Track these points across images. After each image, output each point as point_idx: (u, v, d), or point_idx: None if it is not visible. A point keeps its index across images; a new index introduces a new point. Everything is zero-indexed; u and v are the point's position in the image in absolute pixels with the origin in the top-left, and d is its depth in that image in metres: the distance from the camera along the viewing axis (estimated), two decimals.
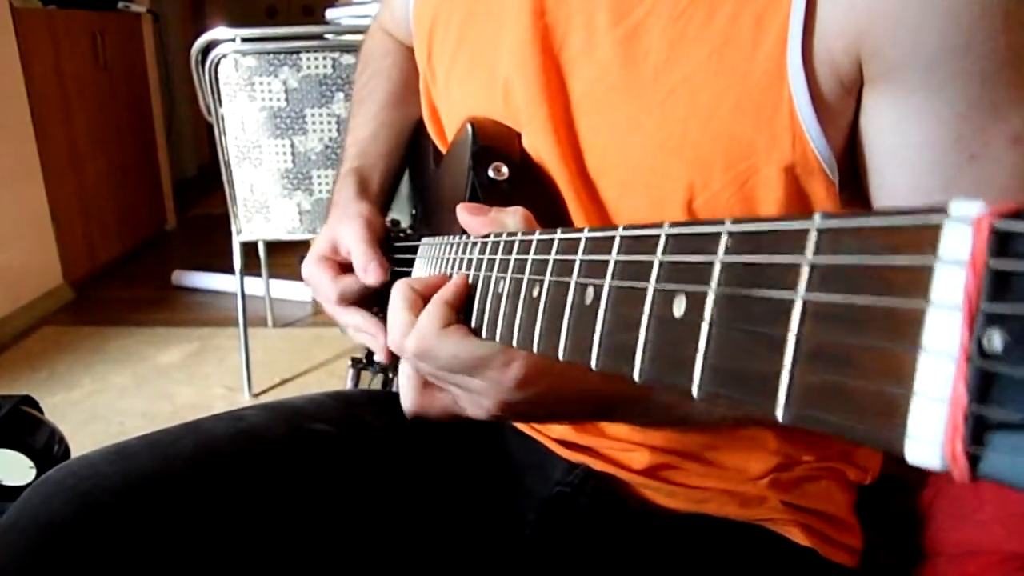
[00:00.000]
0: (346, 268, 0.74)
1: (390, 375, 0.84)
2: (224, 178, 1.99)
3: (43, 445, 1.27)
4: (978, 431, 0.17)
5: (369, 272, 0.70)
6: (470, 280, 0.51)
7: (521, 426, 0.72)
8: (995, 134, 0.48)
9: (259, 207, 1.99)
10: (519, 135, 0.65)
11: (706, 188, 0.56)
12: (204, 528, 0.60)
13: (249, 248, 2.16)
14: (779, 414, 0.22)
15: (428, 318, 0.50)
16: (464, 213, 0.55)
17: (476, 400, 0.53)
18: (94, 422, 2.05)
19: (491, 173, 0.62)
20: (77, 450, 0.67)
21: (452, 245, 0.57)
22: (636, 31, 0.56)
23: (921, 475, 0.77)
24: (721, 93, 0.53)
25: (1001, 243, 0.16)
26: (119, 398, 2.20)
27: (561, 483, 0.67)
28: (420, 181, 0.88)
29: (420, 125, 0.86)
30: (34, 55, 2.77)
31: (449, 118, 0.75)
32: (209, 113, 1.96)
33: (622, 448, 0.66)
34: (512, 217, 0.53)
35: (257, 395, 2.18)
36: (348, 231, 0.73)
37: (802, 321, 0.21)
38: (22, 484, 1.23)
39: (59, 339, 2.61)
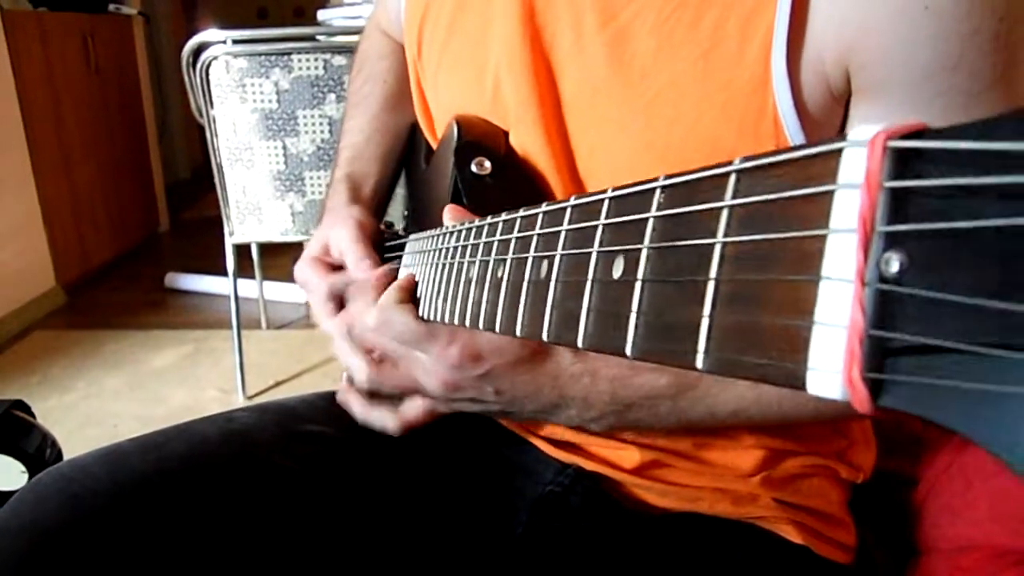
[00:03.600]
0: (338, 269, 0.73)
1: None
2: (216, 180, 1.99)
3: (35, 449, 1.26)
4: (877, 356, 0.16)
5: (361, 268, 0.70)
6: (444, 269, 0.52)
7: (511, 426, 0.72)
8: None
9: (252, 209, 1.99)
10: (505, 132, 0.65)
11: None
12: (195, 530, 0.60)
13: (242, 250, 2.15)
14: (699, 362, 0.22)
15: (386, 296, 0.59)
16: (446, 215, 0.57)
17: (425, 377, 0.57)
18: (87, 426, 2.04)
19: (474, 168, 0.62)
20: (70, 454, 0.67)
21: (433, 238, 0.57)
22: (623, 33, 0.56)
23: (914, 471, 0.77)
24: (706, 98, 0.53)
25: (898, 163, 0.16)
26: (112, 401, 2.19)
27: (552, 483, 0.67)
28: (413, 181, 0.88)
29: (416, 127, 0.86)
30: (24, 58, 2.76)
31: (439, 115, 0.75)
32: (201, 115, 1.96)
33: (613, 447, 0.66)
34: None
35: (251, 397, 2.17)
36: (340, 233, 0.73)
37: (720, 265, 0.21)
38: (14, 489, 1.23)
39: (52, 343, 2.60)
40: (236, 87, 1.87)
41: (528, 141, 0.62)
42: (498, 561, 0.66)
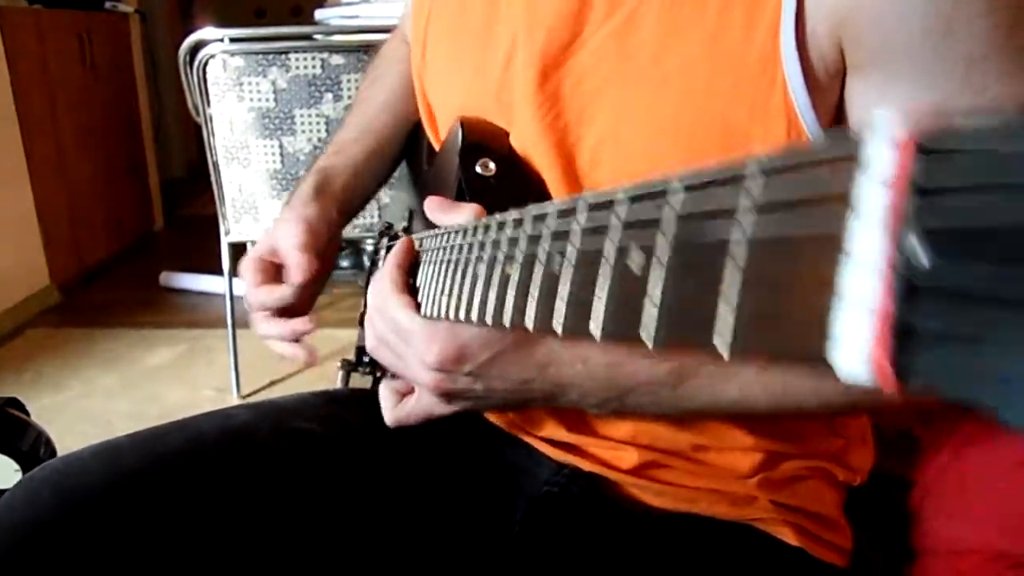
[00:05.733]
0: (280, 270, 0.75)
1: (378, 375, 0.84)
2: (212, 179, 1.99)
3: (29, 448, 1.26)
4: (904, 341, 0.17)
5: (291, 276, 0.72)
6: (448, 267, 0.52)
7: (509, 426, 0.72)
8: None
9: (248, 208, 1.98)
10: (507, 133, 0.65)
11: None
12: (189, 525, 0.60)
13: (238, 249, 2.14)
14: (721, 348, 0.22)
15: (383, 282, 0.61)
16: (430, 208, 0.59)
17: (414, 374, 0.58)
18: (81, 424, 2.04)
19: (478, 169, 0.62)
20: (64, 452, 0.67)
21: (436, 236, 0.58)
22: (629, 22, 0.56)
23: (911, 474, 0.77)
24: (716, 79, 0.53)
25: (925, 158, 0.17)
26: (107, 400, 2.19)
27: (549, 483, 0.67)
28: (416, 181, 0.88)
29: (419, 128, 0.86)
30: (20, 55, 2.75)
31: (441, 114, 0.75)
32: (197, 113, 1.95)
33: (611, 447, 0.66)
34: (467, 212, 0.56)
35: (246, 396, 2.17)
36: (287, 235, 0.74)
37: (743, 255, 0.22)
38: (8, 487, 1.23)
39: (46, 341, 2.59)
40: (233, 86, 1.87)
41: (532, 137, 0.62)
42: (494, 561, 0.65)
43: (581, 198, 0.34)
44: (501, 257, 0.42)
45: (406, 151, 0.89)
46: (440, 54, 0.72)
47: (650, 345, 0.26)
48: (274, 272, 0.75)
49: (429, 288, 0.56)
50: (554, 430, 0.67)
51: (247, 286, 0.75)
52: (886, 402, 0.53)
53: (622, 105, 0.57)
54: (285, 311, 0.74)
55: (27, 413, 1.34)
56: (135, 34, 3.89)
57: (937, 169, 0.17)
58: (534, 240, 0.38)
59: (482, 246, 0.46)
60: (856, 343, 0.18)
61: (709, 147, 0.54)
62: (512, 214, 0.42)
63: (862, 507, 0.70)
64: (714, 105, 0.53)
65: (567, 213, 0.35)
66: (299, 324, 0.74)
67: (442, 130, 0.74)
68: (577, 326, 0.32)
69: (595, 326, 0.30)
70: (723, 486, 0.65)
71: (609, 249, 0.30)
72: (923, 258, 0.17)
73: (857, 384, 0.18)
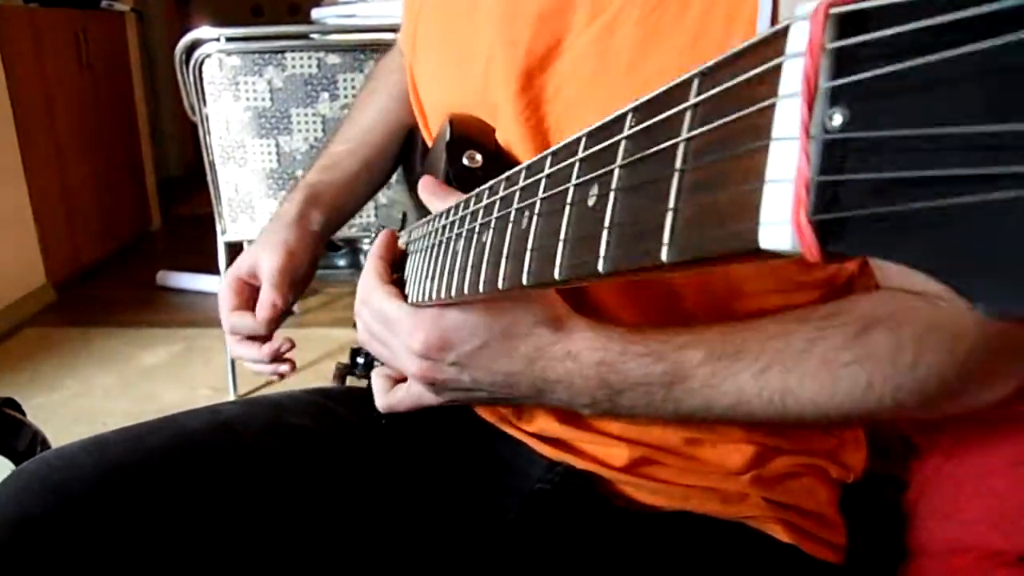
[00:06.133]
0: (256, 295, 0.77)
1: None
2: (209, 178, 1.98)
3: (25, 448, 1.26)
4: (825, 203, 0.17)
5: (261, 309, 0.75)
6: (431, 251, 0.54)
7: (499, 420, 0.72)
8: None
9: (244, 207, 1.98)
10: (495, 129, 0.65)
11: None
12: (179, 518, 0.60)
13: (234, 248, 2.14)
14: (663, 254, 0.23)
15: (367, 275, 0.62)
16: (423, 188, 0.61)
17: (401, 363, 0.58)
18: (78, 424, 2.03)
19: (465, 161, 0.63)
20: None
21: (422, 226, 0.59)
22: (609, 27, 0.56)
23: (905, 474, 0.77)
24: None
25: (840, 26, 0.18)
26: (103, 399, 2.19)
27: (542, 480, 0.67)
28: (410, 182, 0.88)
29: (413, 134, 0.86)
30: (16, 54, 2.75)
31: (432, 113, 0.75)
32: (193, 113, 1.95)
33: (603, 443, 0.66)
34: (457, 195, 0.56)
35: (243, 395, 2.17)
36: (268, 261, 0.76)
37: (684, 158, 0.23)
38: None
39: (42, 340, 2.59)
40: (229, 85, 1.87)
41: (515, 137, 0.63)
42: (486, 558, 0.66)
43: (548, 151, 0.34)
44: (477, 227, 0.43)
45: (400, 155, 0.90)
46: (429, 56, 0.73)
47: (601, 270, 0.26)
48: (249, 295, 0.78)
49: (414, 276, 0.58)
50: (545, 423, 0.68)
51: (222, 308, 0.78)
52: (882, 414, 0.52)
53: (599, 110, 0.57)
54: (247, 337, 0.78)
55: (23, 413, 1.33)
56: (131, 33, 3.89)
57: (847, 30, 0.17)
58: (506, 201, 0.39)
59: (461, 221, 0.47)
60: (779, 214, 0.18)
61: None
62: (487, 185, 0.43)
63: (856, 507, 0.70)
64: None
65: (534, 169, 0.35)
66: (277, 346, 0.77)
67: (434, 131, 0.75)
68: (542, 272, 0.32)
69: (557, 269, 0.30)
70: (715, 483, 0.65)
71: (570, 190, 0.30)
72: (837, 119, 0.17)
73: (785, 255, 0.18)
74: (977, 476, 0.70)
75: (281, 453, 0.68)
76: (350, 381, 0.91)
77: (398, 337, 0.57)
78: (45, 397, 2.19)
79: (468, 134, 0.65)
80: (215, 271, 2.17)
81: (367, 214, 1.92)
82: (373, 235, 0.90)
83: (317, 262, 0.83)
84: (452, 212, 0.50)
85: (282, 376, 0.80)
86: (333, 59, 1.85)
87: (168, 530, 0.59)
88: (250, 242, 2.51)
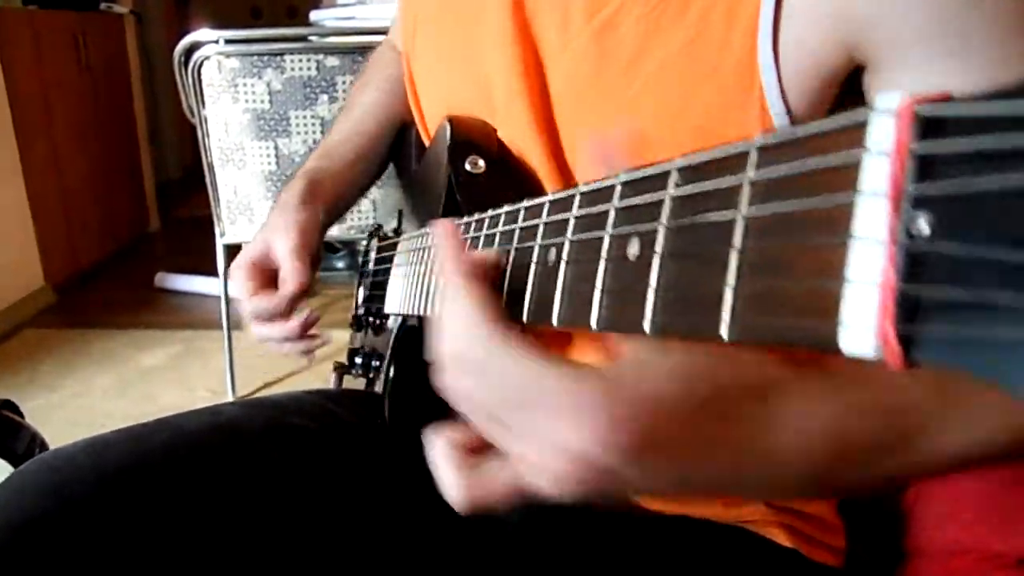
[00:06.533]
0: (274, 276, 0.75)
1: (371, 377, 0.84)
2: (208, 180, 1.98)
3: (24, 450, 1.26)
4: (908, 313, 0.17)
5: (286, 283, 0.72)
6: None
7: None
8: None
9: (243, 209, 1.98)
10: (496, 130, 0.65)
11: None
12: (179, 519, 0.60)
13: (233, 250, 2.14)
14: (724, 331, 0.22)
15: (467, 310, 0.36)
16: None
17: (534, 454, 0.36)
18: (76, 426, 2.03)
19: (468, 166, 0.62)
20: None
21: (424, 235, 0.57)
22: (609, 24, 0.56)
23: None
24: (693, 86, 0.52)
25: (925, 128, 0.17)
26: (102, 401, 2.18)
27: None
28: (405, 180, 0.88)
29: (405, 131, 0.86)
30: (15, 56, 2.75)
31: (430, 112, 0.75)
32: (192, 115, 1.95)
33: None
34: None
35: (241, 398, 2.16)
36: (281, 241, 0.74)
37: (744, 236, 0.22)
38: None
39: (40, 342, 2.59)
40: (228, 87, 1.87)
41: (517, 136, 0.62)
42: (488, 561, 0.66)
43: (576, 190, 0.33)
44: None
45: (393, 151, 0.89)
46: (428, 53, 0.73)
47: (648, 330, 0.25)
48: (267, 278, 0.75)
49: (405, 287, 0.54)
50: None
51: (241, 295, 0.75)
52: None
53: (599, 108, 0.57)
54: (268, 319, 0.75)
55: (21, 415, 1.33)
56: (130, 35, 3.89)
57: (936, 138, 0.17)
58: (528, 232, 0.38)
59: (475, 242, 0.45)
60: (861, 318, 0.18)
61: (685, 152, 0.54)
62: (503, 209, 0.42)
63: (856, 508, 0.70)
64: (690, 111, 0.53)
65: (560, 205, 0.34)
66: (306, 315, 0.74)
67: (430, 124, 0.74)
68: (576, 317, 0.31)
69: (594, 319, 0.29)
70: None
71: (606, 239, 0.29)
72: (924, 227, 0.16)
73: (862, 359, 0.18)
74: (975, 478, 0.70)
75: (281, 454, 0.68)
76: (348, 381, 0.90)
77: (543, 419, 0.34)
78: (44, 398, 2.19)
79: (470, 138, 0.64)
80: (214, 273, 2.17)
81: (366, 216, 1.92)
82: (368, 234, 0.90)
83: (322, 251, 0.82)
84: (464, 230, 0.47)
85: (311, 355, 0.77)
86: (332, 61, 1.85)
87: (168, 532, 0.59)
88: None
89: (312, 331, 0.75)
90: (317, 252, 0.77)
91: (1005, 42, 0.43)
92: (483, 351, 0.36)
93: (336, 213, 0.84)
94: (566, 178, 0.61)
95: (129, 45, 3.88)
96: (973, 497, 0.71)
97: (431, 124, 0.75)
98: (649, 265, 0.26)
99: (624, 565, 0.63)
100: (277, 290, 0.73)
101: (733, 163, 0.23)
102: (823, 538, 0.66)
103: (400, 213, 0.90)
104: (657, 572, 0.62)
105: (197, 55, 1.86)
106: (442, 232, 0.41)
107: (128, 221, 3.81)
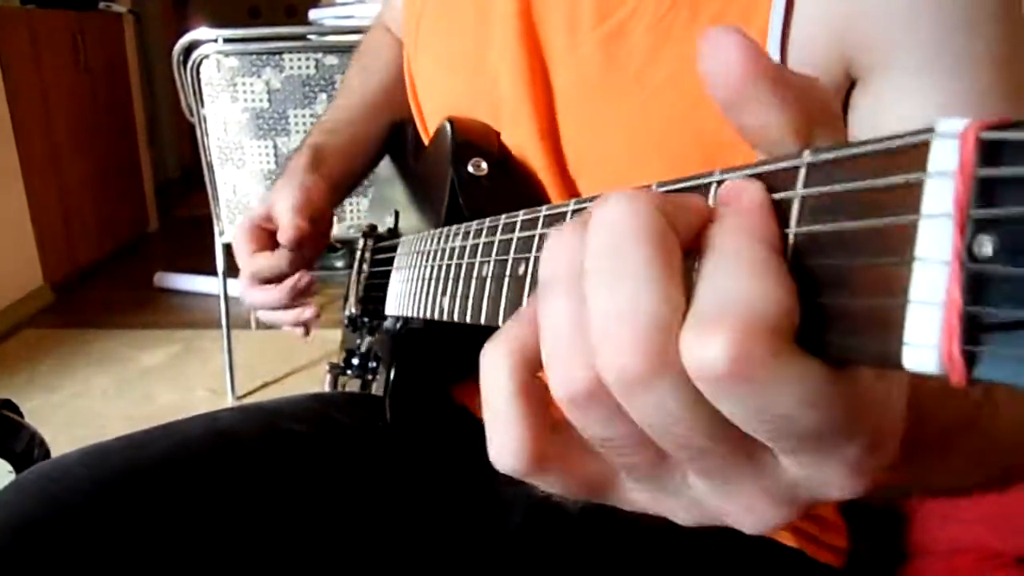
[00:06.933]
0: (274, 238, 0.73)
1: (368, 378, 0.84)
2: (207, 179, 1.98)
3: (23, 450, 1.26)
4: (973, 332, 0.17)
5: (285, 237, 0.70)
6: (451, 270, 0.50)
7: None
8: None
9: (242, 208, 1.98)
10: (498, 133, 0.65)
11: None
12: (177, 528, 0.60)
13: (232, 249, 2.14)
14: None
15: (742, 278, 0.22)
16: None
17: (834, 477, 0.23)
18: (75, 425, 2.03)
19: (471, 169, 0.62)
20: (57, 453, 0.67)
21: (431, 237, 0.57)
22: (619, 32, 0.55)
23: None
24: (703, 93, 0.52)
25: (988, 153, 0.17)
26: (101, 401, 2.18)
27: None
28: (403, 179, 0.88)
29: (401, 125, 0.86)
30: (13, 55, 2.74)
31: (432, 111, 0.75)
32: (191, 114, 1.95)
33: None
34: None
35: (240, 397, 2.17)
36: (284, 199, 0.73)
37: (794, 253, 0.22)
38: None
39: (39, 342, 2.59)
40: (227, 86, 1.87)
41: (520, 139, 0.62)
42: (489, 566, 0.65)
43: (587, 199, 0.33)
44: (510, 260, 0.41)
45: (390, 148, 0.89)
46: (431, 54, 0.72)
47: None
48: (267, 239, 0.74)
49: (408, 290, 0.53)
50: None
51: (241, 254, 0.74)
52: None
53: (606, 114, 0.57)
54: (277, 280, 0.74)
55: (20, 414, 1.33)
56: (129, 34, 3.89)
57: (999, 160, 0.17)
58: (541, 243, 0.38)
59: (488, 248, 0.45)
60: (925, 337, 0.18)
61: (693, 159, 0.54)
62: (517, 215, 0.41)
63: (858, 508, 0.70)
64: (700, 118, 0.52)
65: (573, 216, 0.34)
66: (295, 280, 0.72)
67: (431, 123, 0.74)
68: None
69: None
70: None
71: None
72: (987, 248, 0.17)
73: (924, 375, 0.18)
74: None
75: (280, 460, 0.67)
76: (343, 382, 0.90)
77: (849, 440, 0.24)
78: (43, 398, 2.19)
79: (471, 140, 0.64)
80: (213, 272, 2.17)
81: (366, 215, 1.92)
82: (362, 234, 0.89)
83: (331, 222, 0.80)
84: (475, 235, 0.47)
85: (307, 330, 0.75)
86: (331, 60, 1.85)
87: (166, 539, 0.59)
88: None
89: (307, 315, 0.74)
90: (321, 217, 0.75)
91: (993, 70, 0.45)
92: (749, 357, 0.22)
93: (341, 191, 0.83)
94: (568, 183, 0.61)
95: (128, 44, 3.88)
96: (973, 498, 0.71)
97: (431, 123, 0.75)
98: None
99: (628, 568, 0.63)
100: (275, 251, 0.73)
101: (782, 178, 0.23)
102: (826, 538, 0.66)
103: (397, 213, 0.90)
104: (662, 572, 0.62)
105: (196, 54, 1.86)
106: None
107: (127, 220, 3.81)
